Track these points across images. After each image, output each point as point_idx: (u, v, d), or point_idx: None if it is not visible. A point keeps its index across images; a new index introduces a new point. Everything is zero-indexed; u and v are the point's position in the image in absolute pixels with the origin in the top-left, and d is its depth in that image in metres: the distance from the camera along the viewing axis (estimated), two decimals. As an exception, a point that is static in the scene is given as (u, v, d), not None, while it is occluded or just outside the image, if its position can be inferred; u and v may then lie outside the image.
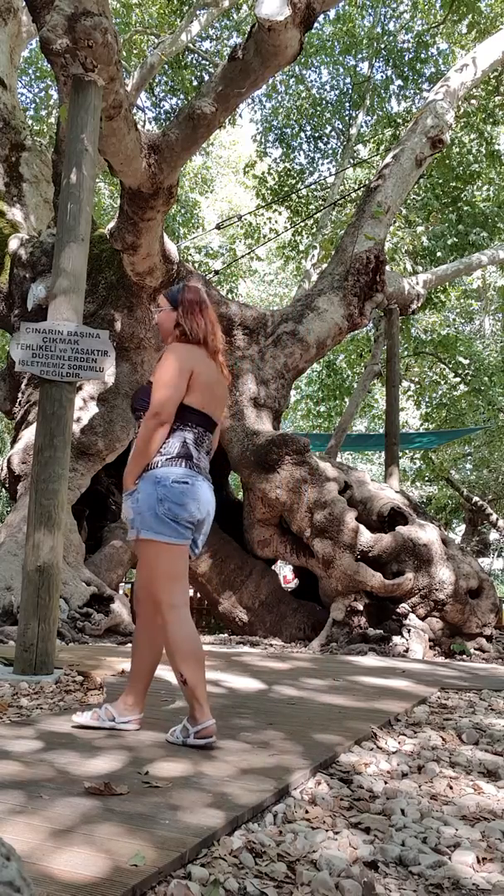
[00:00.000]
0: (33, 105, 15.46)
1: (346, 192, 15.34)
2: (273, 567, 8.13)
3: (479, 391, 14.66)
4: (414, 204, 13.24)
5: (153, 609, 2.63)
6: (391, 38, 14.82)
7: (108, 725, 2.67)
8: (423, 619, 6.41)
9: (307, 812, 2.00)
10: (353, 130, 15.06)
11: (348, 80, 15.60)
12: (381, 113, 15.07)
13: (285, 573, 15.67)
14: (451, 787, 2.28)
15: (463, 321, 20.61)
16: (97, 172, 6.39)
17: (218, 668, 4.38)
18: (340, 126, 15.85)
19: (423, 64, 14.40)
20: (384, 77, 15.35)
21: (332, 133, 15.98)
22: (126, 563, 7.25)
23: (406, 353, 14.66)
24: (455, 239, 12.63)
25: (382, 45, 14.78)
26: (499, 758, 2.61)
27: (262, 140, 16.20)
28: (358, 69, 15.64)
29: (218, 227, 14.31)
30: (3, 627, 5.25)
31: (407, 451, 18.81)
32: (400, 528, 6.55)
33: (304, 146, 16.14)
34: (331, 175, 15.66)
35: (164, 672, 4.06)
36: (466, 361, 15.26)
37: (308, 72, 16.02)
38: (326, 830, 1.87)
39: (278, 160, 16.43)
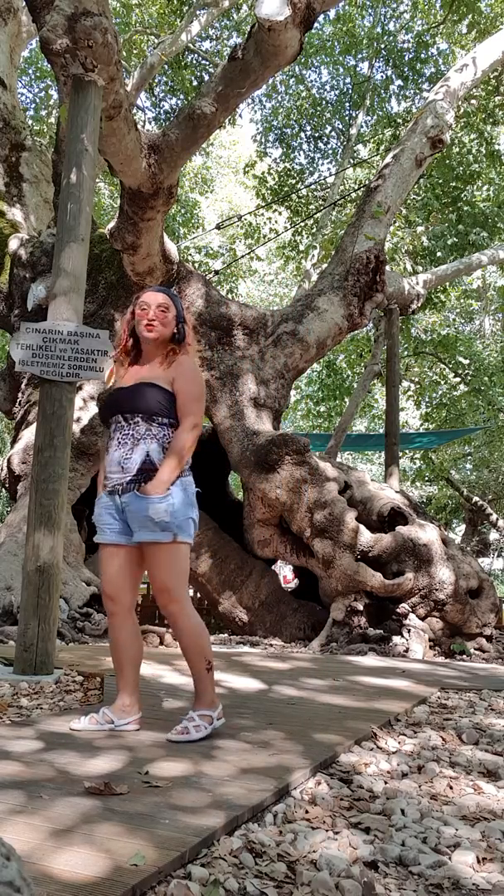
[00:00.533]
0: (33, 105, 15.47)
1: (346, 192, 15.34)
2: (273, 567, 8.13)
3: (479, 391, 14.67)
4: (414, 204, 13.24)
5: (129, 607, 2.78)
6: (391, 38, 14.82)
7: (108, 729, 2.68)
8: (423, 619, 6.41)
9: (307, 812, 2.00)
10: (353, 130, 15.06)
11: (348, 80, 15.60)
12: (381, 113, 15.07)
13: (285, 573, 15.66)
14: (451, 787, 2.28)
15: (463, 321, 20.62)
16: (97, 172, 6.39)
17: (218, 668, 4.38)
18: (340, 126, 15.85)
19: (423, 64, 14.40)
20: (384, 77, 15.36)
21: (332, 133, 15.98)
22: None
23: (406, 353, 14.66)
24: (455, 239, 12.63)
25: (382, 45, 14.78)
26: (499, 758, 2.61)
27: (262, 140, 16.21)
28: (358, 69, 15.64)
29: (218, 227, 14.31)
30: (3, 627, 5.25)
31: (407, 451, 18.81)
32: (400, 528, 6.55)
33: (304, 146, 16.15)
34: (331, 175, 15.66)
35: (165, 672, 4.06)
36: (466, 361, 15.26)
37: (308, 72, 16.02)
38: (326, 830, 1.87)
39: (278, 160, 16.44)
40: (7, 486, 7.46)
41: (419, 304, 10.71)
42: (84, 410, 7.07)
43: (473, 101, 12.45)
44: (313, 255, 14.66)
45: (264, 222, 15.60)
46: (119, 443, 2.69)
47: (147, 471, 2.63)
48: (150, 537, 2.62)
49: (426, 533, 6.54)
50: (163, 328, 2.77)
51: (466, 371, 15.29)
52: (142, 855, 1.56)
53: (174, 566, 2.64)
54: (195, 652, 2.67)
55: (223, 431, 7.39)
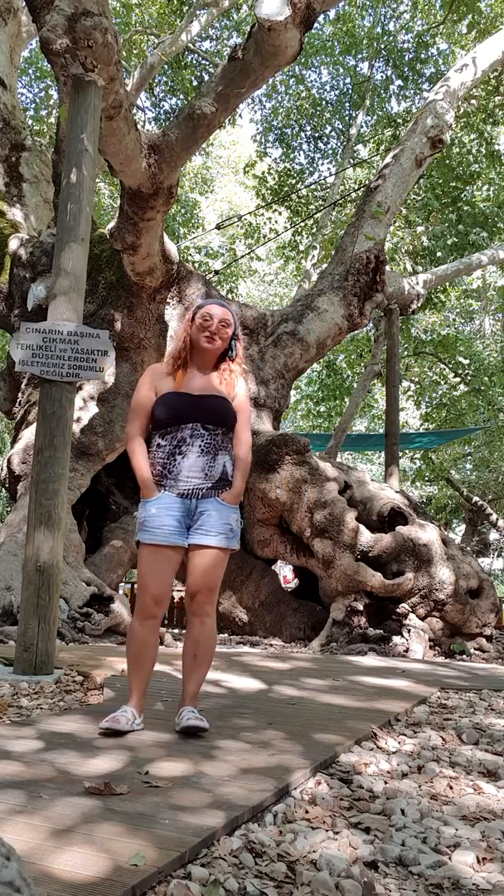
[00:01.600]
0: (33, 105, 15.47)
1: (346, 192, 15.34)
2: (273, 567, 8.13)
3: (479, 391, 14.67)
4: (414, 204, 13.25)
5: (164, 611, 2.84)
6: (391, 38, 14.82)
7: (129, 728, 2.66)
8: (423, 619, 6.41)
9: (307, 812, 2.00)
10: (353, 130, 15.06)
11: (348, 80, 15.60)
12: (381, 113, 15.08)
13: (285, 573, 15.67)
14: (451, 787, 2.28)
15: (463, 321, 20.61)
16: (97, 172, 6.39)
17: (218, 668, 4.38)
18: (340, 126, 15.85)
19: (423, 64, 14.41)
20: (384, 77, 15.36)
21: (332, 133, 15.99)
22: (126, 563, 7.24)
23: (406, 353, 14.67)
24: (455, 239, 12.64)
25: (382, 46, 14.78)
26: (499, 758, 2.61)
27: (262, 140, 16.21)
28: (358, 69, 15.64)
29: (218, 227, 14.31)
30: (3, 627, 5.25)
31: (407, 451, 18.81)
32: (400, 528, 6.55)
33: (304, 146, 16.16)
34: (331, 175, 15.67)
35: (165, 672, 4.06)
36: (466, 361, 15.26)
37: (308, 72, 16.02)
38: (326, 830, 1.87)
39: (278, 160, 16.44)
40: (7, 486, 7.45)
41: (419, 304, 10.72)
42: (84, 410, 7.07)
43: (473, 101, 12.45)
44: (313, 255, 14.66)
45: (264, 222, 15.60)
46: (203, 450, 2.76)
47: (222, 480, 2.79)
48: (224, 543, 2.76)
49: (426, 533, 6.54)
50: (221, 342, 2.87)
51: (466, 371, 15.30)
52: (142, 855, 1.56)
53: (224, 571, 2.83)
54: (210, 653, 2.82)
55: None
